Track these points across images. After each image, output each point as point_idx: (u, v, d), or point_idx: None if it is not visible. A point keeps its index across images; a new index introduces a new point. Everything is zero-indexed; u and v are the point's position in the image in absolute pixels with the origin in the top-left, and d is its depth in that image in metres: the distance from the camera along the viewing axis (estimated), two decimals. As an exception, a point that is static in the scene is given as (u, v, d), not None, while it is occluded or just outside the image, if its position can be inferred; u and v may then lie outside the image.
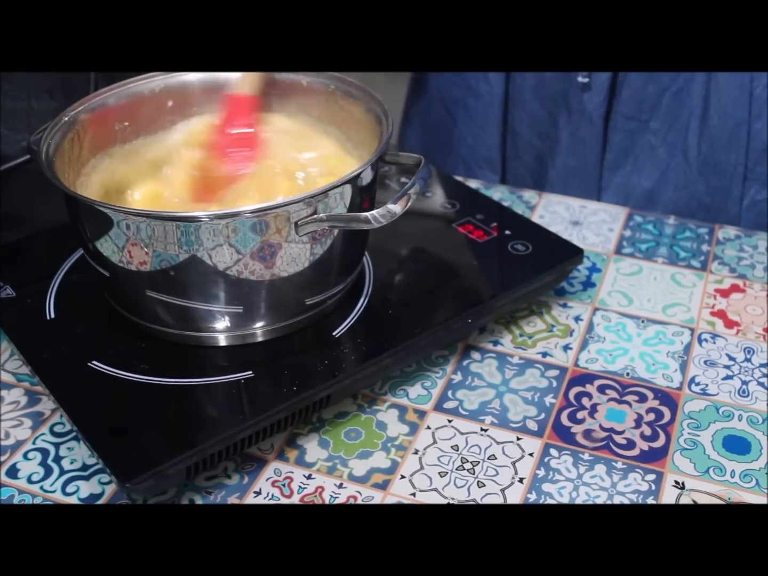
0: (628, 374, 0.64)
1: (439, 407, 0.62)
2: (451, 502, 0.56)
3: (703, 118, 0.79)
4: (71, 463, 0.59)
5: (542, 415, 0.61)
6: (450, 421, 0.61)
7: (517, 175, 0.91)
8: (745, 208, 0.81)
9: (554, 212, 0.82)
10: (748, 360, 0.65)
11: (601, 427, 0.60)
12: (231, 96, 0.68)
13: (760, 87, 0.76)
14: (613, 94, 0.82)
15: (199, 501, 0.56)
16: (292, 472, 0.58)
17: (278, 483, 0.57)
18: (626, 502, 0.55)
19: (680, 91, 0.79)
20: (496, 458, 0.58)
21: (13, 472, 0.58)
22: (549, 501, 0.56)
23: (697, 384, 0.63)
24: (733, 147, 0.78)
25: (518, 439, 0.60)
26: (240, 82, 0.68)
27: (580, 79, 0.81)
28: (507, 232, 0.71)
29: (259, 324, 0.60)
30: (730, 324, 0.69)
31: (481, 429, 0.60)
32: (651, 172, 0.83)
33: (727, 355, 0.66)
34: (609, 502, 0.55)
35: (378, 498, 0.56)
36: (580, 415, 0.61)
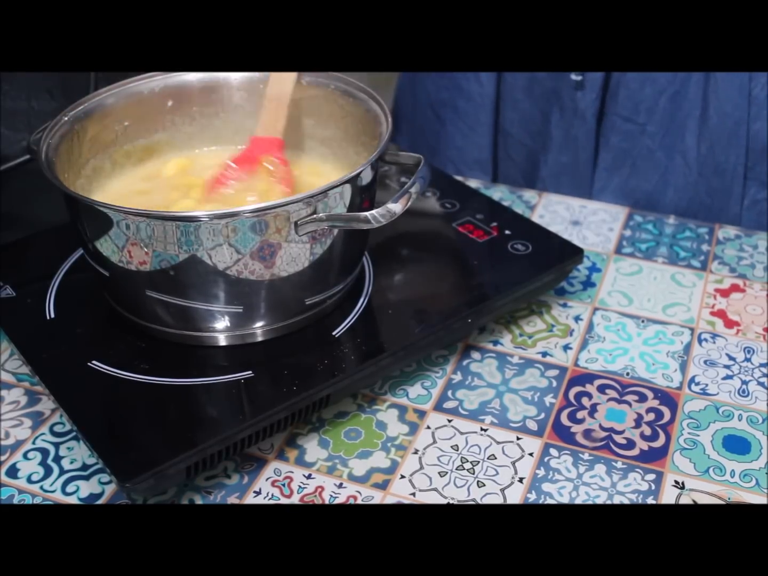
0: (628, 374, 0.64)
1: (439, 407, 0.62)
2: (451, 501, 0.56)
3: (702, 119, 0.78)
4: (71, 463, 0.59)
5: (542, 415, 0.61)
6: (450, 421, 0.61)
7: (508, 175, 0.91)
8: (745, 208, 0.81)
9: (554, 212, 0.82)
10: (748, 360, 0.65)
11: (601, 426, 0.60)
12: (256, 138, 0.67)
13: (758, 87, 0.76)
14: (606, 92, 0.81)
15: (199, 501, 0.56)
16: (292, 472, 0.58)
17: (278, 483, 0.57)
18: (626, 502, 0.55)
19: (677, 94, 0.79)
20: (495, 458, 0.58)
21: (13, 472, 0.58)
22: (549, 501, 0.56)
23: (697, 384, 0.63)
24: (733, 147, 0.78)
25: (518, 438, 0.60)
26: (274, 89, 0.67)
27: (573, 76, 0.81)
28: (507, 232, 0.71)
29: (259, 324, 0.60)
30: (730, 324, 0.69)
31: (481, 429, 0.60)
32: (650, 174, 0.83)
33: (727, 354, 0.66)
34: (609, 502, 0.55)
35: (378, 498, 0.56)
36: (579, 414, 0.61)
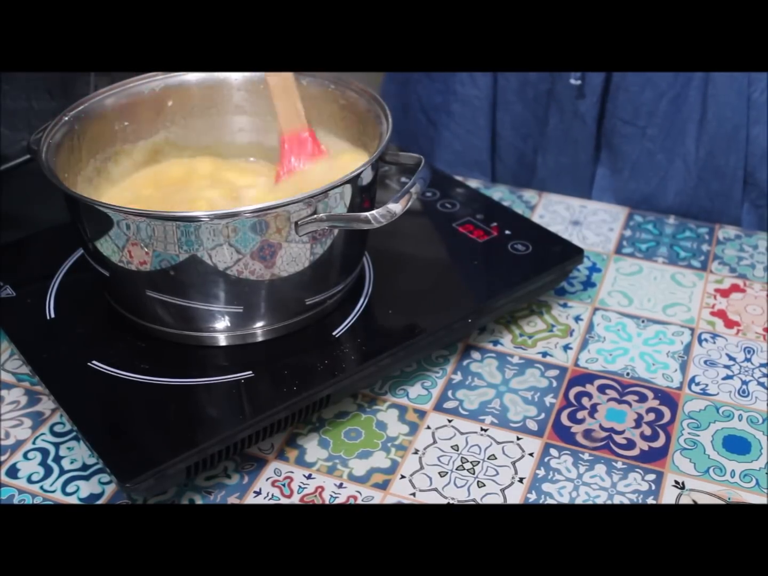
0: (628, 374, 0.64)
1: (439, 407, 0.62)
2: (451, 502, 0.56)
3: (701, 123, 0.78)
4: (71, 463, 0.59)
5: (542, 415, 0.61)
6: (450, 421, 0.61)
7: (502, 178, 0.90)
8: (746, 211, 0.81)
9: (554, 212, 0.82)
10: (748, 360, 0.65)
11: (601, 427, 0.60)
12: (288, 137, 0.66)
13: (758, 91, 0.75)
14: (606, 96, 0.81)
15: (199, 501, 0.56)
16: (292, 472, 0.58)
17: (278, 483, 0.57)
18: (626, 502, 0.55)
19: (677, 97, 0.78)
20: (496, 458, 0.58)
21: (13, 472, 0.58)
22: (549, 501, 0.56)
23: (697, 384, 0.63)
24: (732, 151, 0.78)
25: (518, 439, 0.60)
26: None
27: (572, 81, 0.81)
28: (507, 232, 0.71)
29: (259, 324, 0.60)
30: (730, 324, 0.69)
31: (481, 429, 0.60)
32: (650, 177, 0.83)
33: (727, 355, 0.66)
34: (609, 502, 0.55)
35: (378, 498, 0.56)
36: (580, 415, 0.61)
